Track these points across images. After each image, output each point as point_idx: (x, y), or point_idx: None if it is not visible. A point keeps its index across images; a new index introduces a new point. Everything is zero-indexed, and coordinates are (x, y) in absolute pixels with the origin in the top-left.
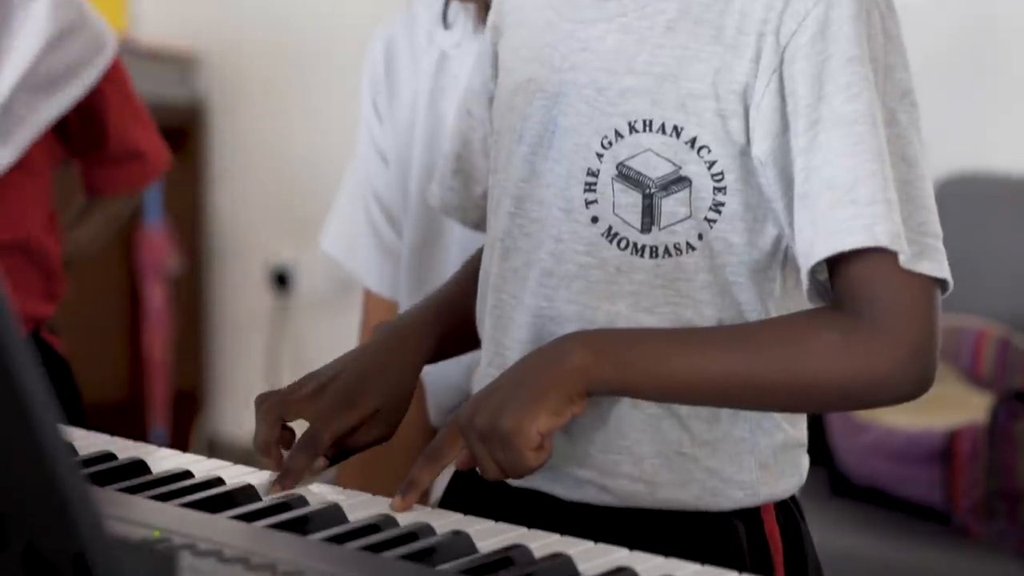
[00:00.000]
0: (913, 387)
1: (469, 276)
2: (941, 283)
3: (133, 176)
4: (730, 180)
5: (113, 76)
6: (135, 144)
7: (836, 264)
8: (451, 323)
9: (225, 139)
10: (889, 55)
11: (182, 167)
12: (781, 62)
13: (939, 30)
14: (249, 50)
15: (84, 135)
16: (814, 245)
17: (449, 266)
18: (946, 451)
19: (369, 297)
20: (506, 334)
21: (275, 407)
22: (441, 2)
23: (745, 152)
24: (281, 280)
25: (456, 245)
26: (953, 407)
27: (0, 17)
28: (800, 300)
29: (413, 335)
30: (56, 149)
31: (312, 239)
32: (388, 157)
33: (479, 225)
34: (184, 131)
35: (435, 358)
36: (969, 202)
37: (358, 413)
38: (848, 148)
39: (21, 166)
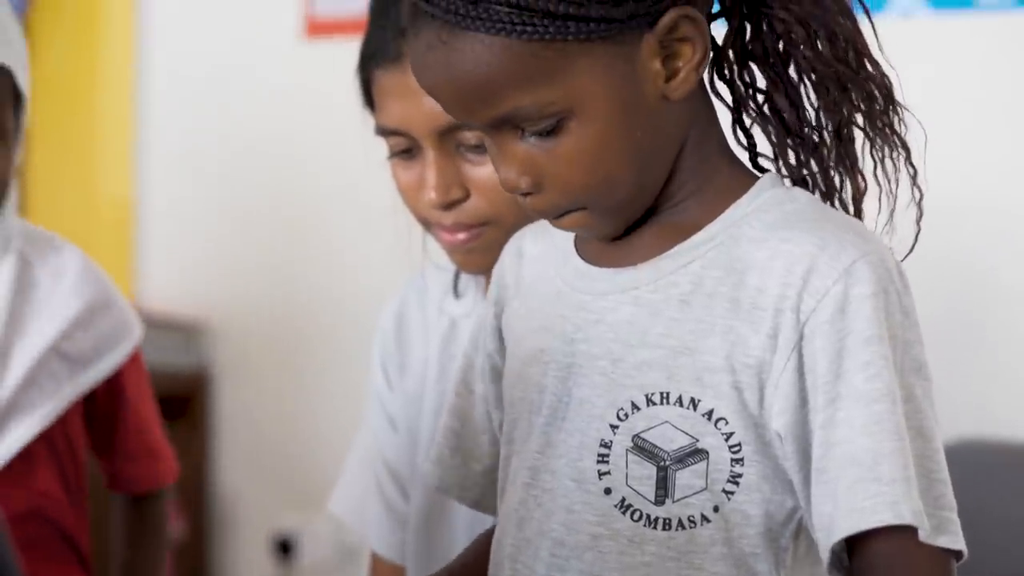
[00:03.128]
0: None
1: (480, 547)
2: (956, 554)
3: (146, 476)
4: (747, 451)
5: (136, 364)
6: (152, 441)
7: (856, 539)
8: None
9: (229, 407)
10: (906, 331)
11: (186, 434)
12: (801, 338)
13: (939, 296)
14: (255, 319)
15: (105, 421)
16: (835, 521)
17: (457, 533)
18: None
19: (376, 562)
20: None
21: None
22: (452, 272)
23: (760, 423)
24: (284, 548)
25: (463, 512)
26: None
27: (25, 291)
28: (809, 568)
29: None
30: (82, 434)
31: (316, 507)
32: (398, 424)
33: (478, 503)
34: (189, 398)
35: None
36: (971, 468)
37: None
38: (869, 427)
39: (48, 442)
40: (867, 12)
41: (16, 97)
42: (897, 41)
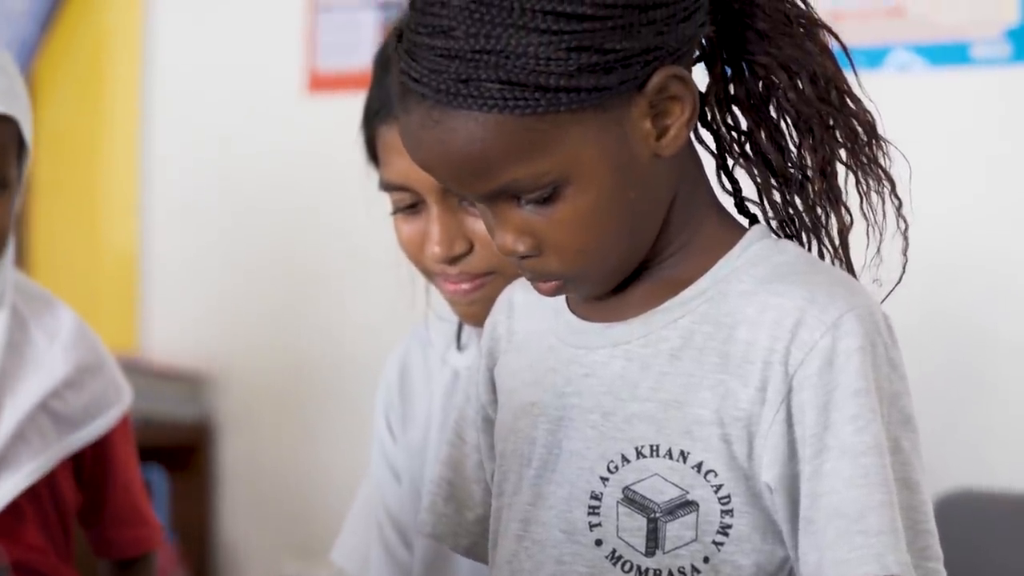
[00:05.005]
0: None
1: None
2: None
3: (136, 541)
4: (737, 503)
5: (125, 429)
6: (140, 505)
7: None
8: None
9: (233, 457)
10: (893, 383)
11: (190, 484)
12: (789, 390)
13: (939, 349)
14: (258, 370)
15: (93, 483)
16: (821, 572)
17: None
18: None
19: None
20: None
21: None
22: (455, 324)
23: (749, 475)
24: None
25: (466, 563)
26: None
27: (18, 348)
28: None
29: None
30: (72, 493)
31: (319, 556)
32: (401, 474)
33: (470, 551)
34: (192, 448)
35: None
36: (969, 518)
37: None
38: (856, 479)
39: (34, 498)
40: (847, 53)
41: (20, 147)
42: (894, 96)
